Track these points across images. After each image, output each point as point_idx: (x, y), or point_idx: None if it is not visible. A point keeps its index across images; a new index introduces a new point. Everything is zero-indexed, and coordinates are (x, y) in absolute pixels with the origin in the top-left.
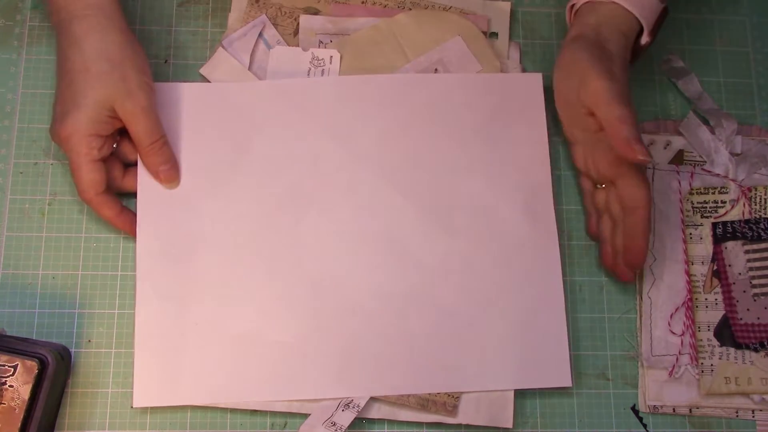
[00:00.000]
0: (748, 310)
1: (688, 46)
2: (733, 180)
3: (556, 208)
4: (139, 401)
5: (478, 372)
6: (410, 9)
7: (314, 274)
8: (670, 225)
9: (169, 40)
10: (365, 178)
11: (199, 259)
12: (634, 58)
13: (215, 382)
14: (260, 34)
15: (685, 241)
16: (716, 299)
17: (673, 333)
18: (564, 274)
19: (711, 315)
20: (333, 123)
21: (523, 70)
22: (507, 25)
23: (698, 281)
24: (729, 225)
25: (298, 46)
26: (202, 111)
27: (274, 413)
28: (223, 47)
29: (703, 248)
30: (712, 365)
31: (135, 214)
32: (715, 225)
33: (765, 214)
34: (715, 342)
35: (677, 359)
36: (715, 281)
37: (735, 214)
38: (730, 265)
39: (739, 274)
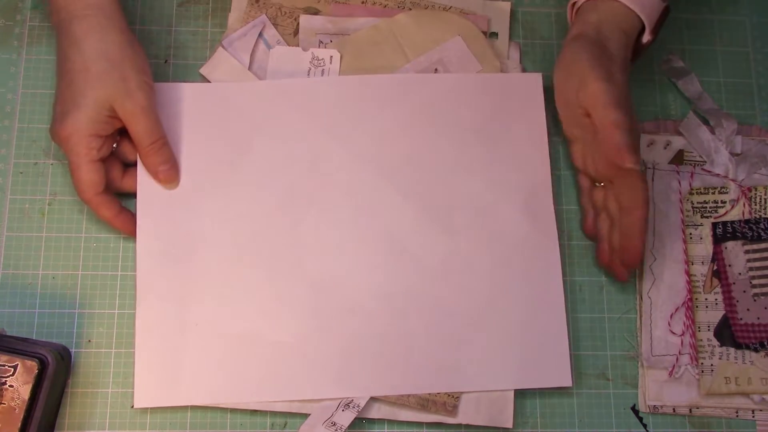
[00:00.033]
0: (748, 310)
1: (688, 46)
2: (733, 180)
3: (556, 208)
4: (139, 402)
5: (478, 372)
6: (410, 9)
7: (314, 274)
8: (670, 225)
9: (169, 40)
10: (365, 178)
11: (199, 259)
12: (635, 56)
13: (215, 383)
14: (260, 34)
15: (685, 241)
16: (716, 299)
17: (673, 333)
18: (564, 274)
19: (711, 315)
20: (333, 123)
21: (523, 70)
22: (507, 25)
23: (698, 281)
24: (729, 225)
25: (298, 46)
26: (202, 111)
27: (274, 413)
28: (223, 47)
29: (703, 248)
30: (712, 365)
31: (133, 215)
32: (715, 225)
33: (765, 214)
34: (715, 342)
35: (677, 359)
36: (715, 281)
37: (735, 214)
38: (730, 265)
39: (739, 274)
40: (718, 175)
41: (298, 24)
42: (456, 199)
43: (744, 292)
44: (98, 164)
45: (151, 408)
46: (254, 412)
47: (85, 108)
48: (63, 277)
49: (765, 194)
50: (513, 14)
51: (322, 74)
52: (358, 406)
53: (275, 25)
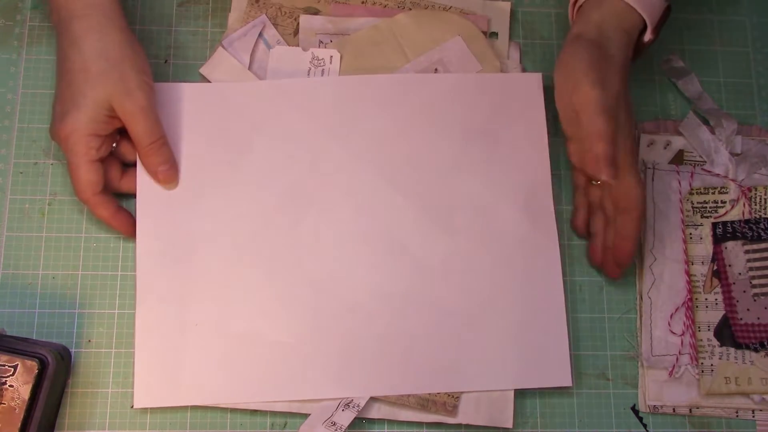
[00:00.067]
0: (748, 310)
1: (688, 46)
2: (733, 180)
3: (556, 208)
4: (139, 402)
5: (478, 372)
6: (410, 9)
7: (314, 274)
8: (670, 225)
9: (169, 40)
10: (365, 178)
11: (199, 260)
12: (636, 56)
13: (215, 383)
14: (260, 34)
15: (685, 241)
16: (716, 299)
17: (673, 333)
18: (564, 274)
19: (711, 315)
20: (333, 123)
21: (523, 70)
22: (507, 25)
23: (698, 281)
24: (729, 225)
25: (298, 46)
26: (202, 111)
27: (274, 413)
28: (223, 47)
29: (703, 248)
30: (712, 365)
31: (131, 215)
32: (715, 225)
33: (765, 214)
34: (715, 342)
35: (677, 359)
36: (715, 281)
37: (735, 214)
38: (730, 265)
39: (739, 274)
40: (718, 175)
41: (298, 24)
42: (456, 199)
43: (744, 292)
44: (97, 164)
45: (151, 408)
46: (254, 412)
47: (85, 108)
48: (63, 277)
49: (765, 194)
50: (513, 14)
51: (322, 74)
52: (358, 406)
53: (275, 25)
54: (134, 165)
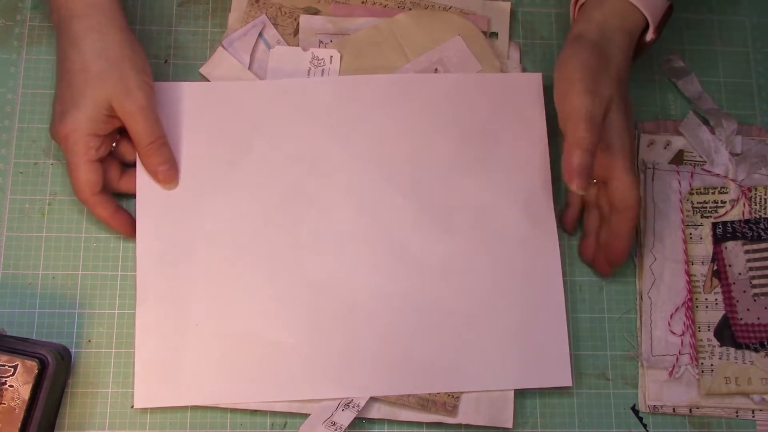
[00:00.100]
0: (748, 310)
1: (688, 46)
2: (733, 180)
3: (556, 208)
4: (139, 402)
5: (478, 372)
6: (410, 9)
7: (314, 274)
8: (670, 225)
9: (169, 40)
10: (365, 178)
11: (199, 260)
12: (637, 55)
13: (215, 383)
14: (260, 34)
15: (685, 241)
16: (716, 299)
17: (673, 333)
18: (564, 274)
19: (711, 315)
20: (333, 123)
21: (523, 70)
22: (507, 25)
23: (698, 281)
24: (729, 225)
25: (298, 46)
26: (202, 110)
27: (274, 413)
28: (223, 47)
29: (703, 248)
30: (712, 365)
31: (129, 215)
32: (715, 225)
33: (765, 214)
34: (715, 342)
35: (677, 359)
36: (715, 281)
37: (735, 214)
38: (730, 265)
39: (739, 274)
40: (718, 175)
41: (298, 24)
42: (456, 199)
43: (744, 292)
44: (96, 164)
45: (151, 408)
46: (254, 412)
47: (84, 107)
48: (63, 277)
49: (765, 194)
50: (513, 14)
51: (322, 74)
52: (358, 405)
53: (275, 25)
54: (134, 165)
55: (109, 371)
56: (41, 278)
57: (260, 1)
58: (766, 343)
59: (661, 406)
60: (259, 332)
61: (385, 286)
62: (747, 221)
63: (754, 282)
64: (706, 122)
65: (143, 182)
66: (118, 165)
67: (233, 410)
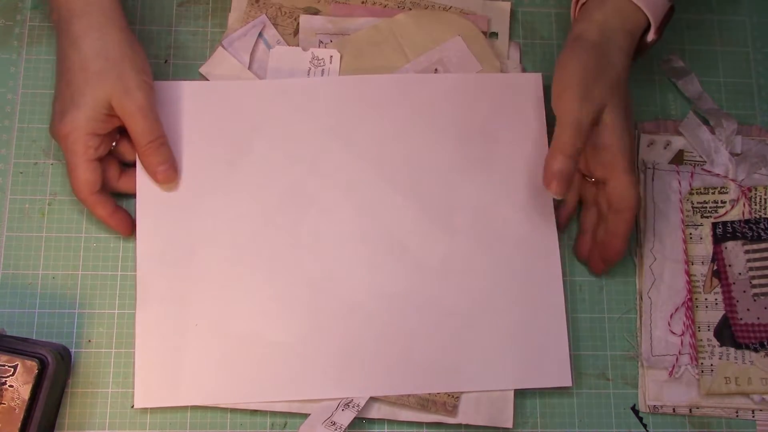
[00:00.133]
0: (748, 310)
1: (688, 46)
2: (733, 180)
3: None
4: (140, 402)
5: (478, 372)
6: (410, 9)
7: (314, 274)
8: (670, 225)
9: (169, 40)
10: (365, 178)
11: (199, 260)
12: (638, 55)
13: (215, 383)
14: (260, 34)
15: (685, 241)
16: (716, 299)
17: (673, 333)
18: (564, 274)
19: (711, 315)
20: (333, 123)
21: (523, 70)
22: (507, 25)
23: (698, 281)
24: (729, 225)
25: (298, 46)
26: (202, 109)
27: (274, 413)
28: (223, 47)
29: (703, 248)
30: (712, 365)
31: (129, 215)
32: (715, 225)
33: (765, 214)
34: (715, 342)
35: (677, 359)
36: (715, 281)
37: (735, 214)
38: (730, 265)
39: (739, 274)
40: (718, 175)
41: (298, 24)
42: (456, 199)
43: (744, 292)
44: (95, 163)
45: (151, 408)
46: (254, 412)
47: (84, 107)
48: (63, 277)
49: (765, 194)
50: (513, 14)
51: (322, 74)
52: (358, 405)
53: (275, 25)
54: (133, 165)
55: (109, 371)
56: (41, 278)
57: (260, 1)
58: (766, 343)
59: (661, 406)
60: (259, 332)
61: (385, 286)
62: (747, 221)
63: (754, 282)
64: (706, 122)
65: (143, 182)
66: (117, 165)
67: (233, 410)
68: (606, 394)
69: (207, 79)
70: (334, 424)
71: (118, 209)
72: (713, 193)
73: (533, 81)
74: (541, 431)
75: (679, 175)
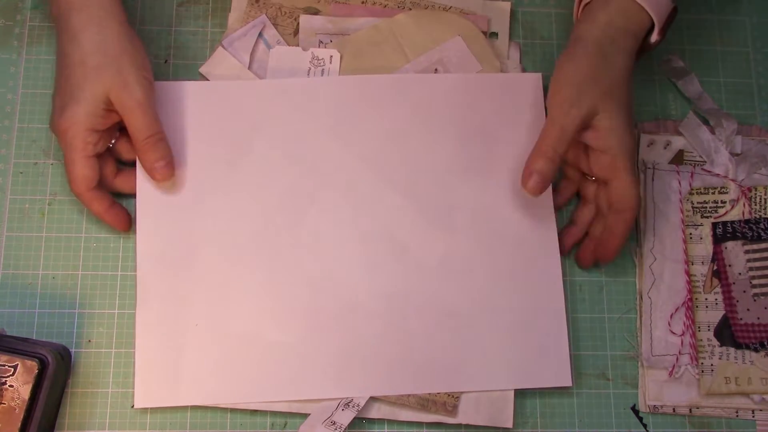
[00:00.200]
0: (748, 310)
1: (688, 46)
2: (733, 180)
3: (555, 209)
4: (140, 402)
5: (478, 372)
6: (410, 9)
7: (314, 274)
8: (670, 225)
9: (169, 40)
10: (365, 178)
11: (199, 260)
12: (640, 55)
13: (215, 383)
14: (260, 34)
15: (685, 241)
16: (716, 299)
17: (673, 333)
18: (564, 274)
19: (711, 315)
20: (333, 123)
21: (523, 70)
22: (507, 25)
23: (698, 281)
24: (729, 225)
25: (298, 46)
26: (202, 109)
27: (274, 413)
28: (223, 47)
29: (703, 248)
30: (712, 365)
31: (125, 210)
32: (715, 225)
33: (765, 214)
34: (715, 342)
35: (677, 359)
36: (715, 281)
37: (735, 214)
38: (730, 265)
39: (739, 274)
40: (718, 175)
41: (298, 24)
42: (456, 199)
43: (744, 292)
44: (93, 159)
45: (151, 408)
46: (254, 412)
47: (84, 102)
48: (63, 277)
49: (765, 194)
50: (513, 14)
51: (322, 74)
52: (358, 405)
53: (275, 25)
54: (131, 165)
55: (109, 371)
56: (41, 278)
57: (260, 1)
58: (766, 343)
59: (661, 406)
60: (259, 332)
61: (385, 286)
62: (747, 221)
63: (754, 282)
64: (706, 122)
65: (143, 182)
66: (114, 163)
67: (233, 410)
68: (606, 394)
69: (207, 79)
70: (334, 423)
71: (115, 205)
72: (713, 193)
73: (533, 81)
74: (541, 431)
75: (679, 175)
